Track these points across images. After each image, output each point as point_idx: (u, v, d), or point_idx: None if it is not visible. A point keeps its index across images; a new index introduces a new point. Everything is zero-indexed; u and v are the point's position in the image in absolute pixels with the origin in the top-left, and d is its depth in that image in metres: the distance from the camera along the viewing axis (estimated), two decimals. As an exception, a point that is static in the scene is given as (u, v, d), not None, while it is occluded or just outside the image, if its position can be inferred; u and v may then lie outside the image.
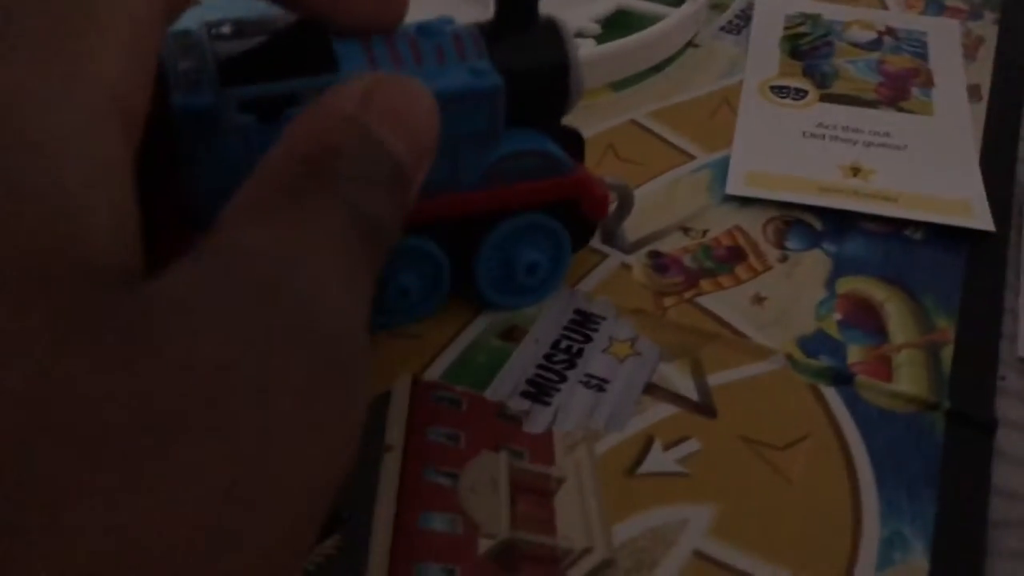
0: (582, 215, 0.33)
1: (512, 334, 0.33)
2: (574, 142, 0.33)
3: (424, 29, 0.29)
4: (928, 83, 0.47)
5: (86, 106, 0.16)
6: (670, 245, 0.38)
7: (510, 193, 0.31)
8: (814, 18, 0.51)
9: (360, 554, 0.26)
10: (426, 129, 0.22)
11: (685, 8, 0.48)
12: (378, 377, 0.31)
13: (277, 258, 0.17)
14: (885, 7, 0.52)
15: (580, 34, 0.47)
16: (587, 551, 0.27)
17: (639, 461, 0.29)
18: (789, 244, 0.38)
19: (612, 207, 0.36)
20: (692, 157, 0.42)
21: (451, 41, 0.29)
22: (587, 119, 0.44)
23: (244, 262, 0.17)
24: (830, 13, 0.51)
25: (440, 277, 0.32)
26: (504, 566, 0.26)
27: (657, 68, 0.47)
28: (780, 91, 0.46)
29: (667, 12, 0.48)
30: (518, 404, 0.31)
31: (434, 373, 0.32)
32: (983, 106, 0.45)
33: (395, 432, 0.30)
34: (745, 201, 0.40)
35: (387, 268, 0.29)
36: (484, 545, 0.27)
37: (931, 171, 0.41)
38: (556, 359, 0.32)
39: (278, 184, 0.19)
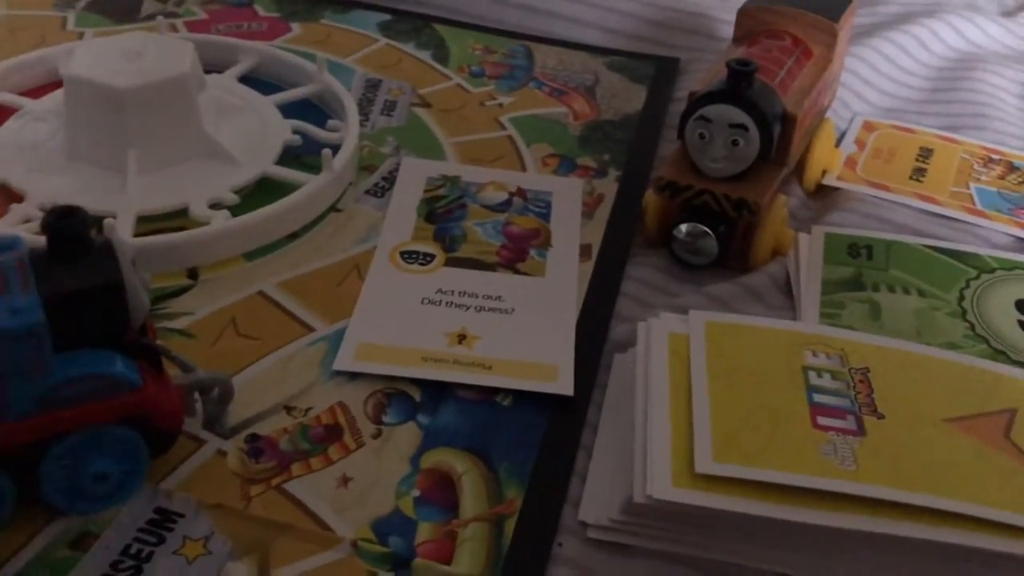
0: (156, 426, 0.34)
1: (82, 542, 0.34)
2: (150, 356, 0.34)
3: None
4: (546, 243, 0.51)
5: None
6: (271, 426, 0.39)
7: (69, 416, 0.32)
8: (453, 180, 0.55)
9: None
10: None
11: (322, 177, 0.51)
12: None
13: None
14: (523, 167, 0.57)
15: (217, 205, 0.49)
16: None
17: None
18: (386, 418, 0.41)
19: (213, 395, 0.38)
20: (312, 329, 0.44)
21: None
22: (214, 291, 0.45)
23: None
24: (469, 175, 0.55)
25: (3, 495, 0.32)
26: None
27: (295, 235, 0.49)
28: (409, 256, 0.49)
29: (307, 180, 0.51)
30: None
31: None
32: (591, 265, 0.50)
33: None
34: (353, 375, 0.42)
35: None
36: None
37: (530, 336, 0.45)
38: (122, 567, 0.33)
39: None
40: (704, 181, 0.49)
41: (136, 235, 0.46)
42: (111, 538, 0.34)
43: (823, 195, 0.58)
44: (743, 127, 0.47)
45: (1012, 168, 0.60)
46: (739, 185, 0.49)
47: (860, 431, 0.37)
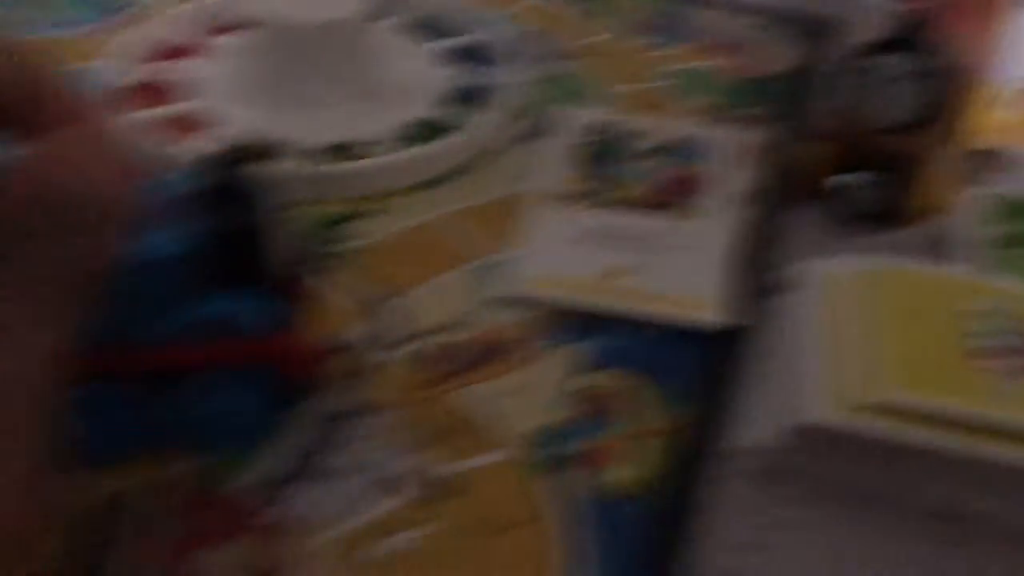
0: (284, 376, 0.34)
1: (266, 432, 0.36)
2: (292, 304, 0.33)
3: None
4: (700, 190, 0.51)
5: None
6: (436, 341, 0.41)
7: (201, 353, 0.32)
8: (607, 127, 0.56)
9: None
10: (108, 180, 0.25)
11: (482, 119, 0.52)
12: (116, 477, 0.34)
13: None
14: (677, 117, 0.57)
15: (386, 140, 0.51)
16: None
17: (365, 546, 0.32)
18: (544, 341, 0.42)
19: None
20: (472, 258, 0.46)
21: (158, 205, 0.30)
22: (381, 220, 0.48)
23: None
24: (623, 123, 0.56)
25: (143, 420, 0.33)
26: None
27: (455, 172, 0.51)
28: (564, 197, 0.50)
29: (469, 121, 0.52)
30: (260, 497, 0.34)
31: (180, 470, 0.34)
32: (743, 212, 0.50)
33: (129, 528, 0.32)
34: (512, 301, 0.44)
35: (87, 410, 0.31)
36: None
37: (682, 273, 0.45)
38: (302, 455, 0.35)
39: None
40: (868, 131, 0.48)
41: (309, 166, 0.49)
42: (291, 429, 0.36)
43: (992, 157, 0.56)
44: (911, 76, 0.47)
45: None
46: (904, 137, 0.48)
47: (1029, 372, 0.36)
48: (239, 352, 0.32)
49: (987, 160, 0.55)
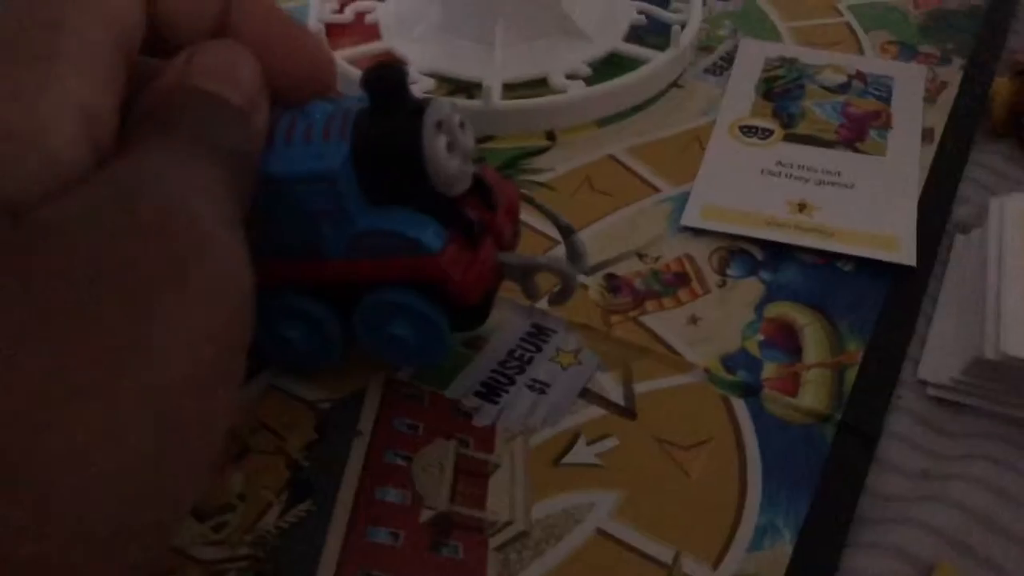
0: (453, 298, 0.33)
1: (475, 343, 0.40)
2: (465, 228, 0.33)
3: (307, 110, 0.31)
4: (886, 125, 0.51)
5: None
6: (625, 269, 0.43)
7: (371, 267, 0.33)
8: (791, 62, 0.56)
9: (325, 517, 0.33)
10: (247, 78, 0.28)
11: (667, 54, 0.53)
12: (357, 376, 0.38)
13: (141, 175, 0.23)
14: (861, 52, 0.57)
15: (573, 76, 0.53)
16: (508, 524, 0.33)
17: (564, 453, 0.35)
18: (730, 271, 0.43)
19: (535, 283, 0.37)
20: (657, 190, 0.48)
21: (322, 122, 0.31)
22: (570, 152, 0.50)
23: (111, 180, 0.23)
24: (807, 57, 0.56)
25: (326, 331, 0.35)
26: (439, 532, 0.33)
27: (640, 107, 0.53)
28: (748, 131, 0.51)
29: (654, 56, 0.54)
30: (470, 402, 0.37)
31: (405, 374, 0.38)
32: (933, 148, 0.50)
33: (366, 421, 0.36)
34: (698, 232, 0.45)
35: (273, 321, 0.34)
36: (426, 515, 0.33)
37: (870, 209, 0.46)
38: (508, 365, 0.39)
39: (138, 134, 0.25)
40: (1066, 65, 0.47)
41: (501, 99, 0.51)
42: (498, 341, 0.40)
43: None
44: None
45: None
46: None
47: None
48: (412, 267, 0.32)
49: None
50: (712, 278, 0.43)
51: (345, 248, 0.32)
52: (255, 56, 0.28)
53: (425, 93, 0.53)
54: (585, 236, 0.45)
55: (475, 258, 0.33)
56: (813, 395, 0.38)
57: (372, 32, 0.58)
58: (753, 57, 0.56)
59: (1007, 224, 0.41)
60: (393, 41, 0.57)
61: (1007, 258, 0.39)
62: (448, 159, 0.31)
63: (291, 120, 0.31)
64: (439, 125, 0.31)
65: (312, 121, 0.31)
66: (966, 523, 0.33)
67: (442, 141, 0.31)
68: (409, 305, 0.34)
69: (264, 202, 0.30)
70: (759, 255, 0.44)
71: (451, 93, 0.54)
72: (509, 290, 0.37)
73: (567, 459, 0.35)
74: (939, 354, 0.39)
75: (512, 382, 0.38)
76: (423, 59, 0.55)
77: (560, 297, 0.37)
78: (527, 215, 0.39)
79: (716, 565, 0.32)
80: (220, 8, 0.29)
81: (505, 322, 0.40)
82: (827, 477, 0.35)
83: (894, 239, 0.44)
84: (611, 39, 0.55)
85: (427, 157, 0.31)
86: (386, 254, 0.32)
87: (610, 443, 0.36)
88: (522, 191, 0.37)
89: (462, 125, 0.32)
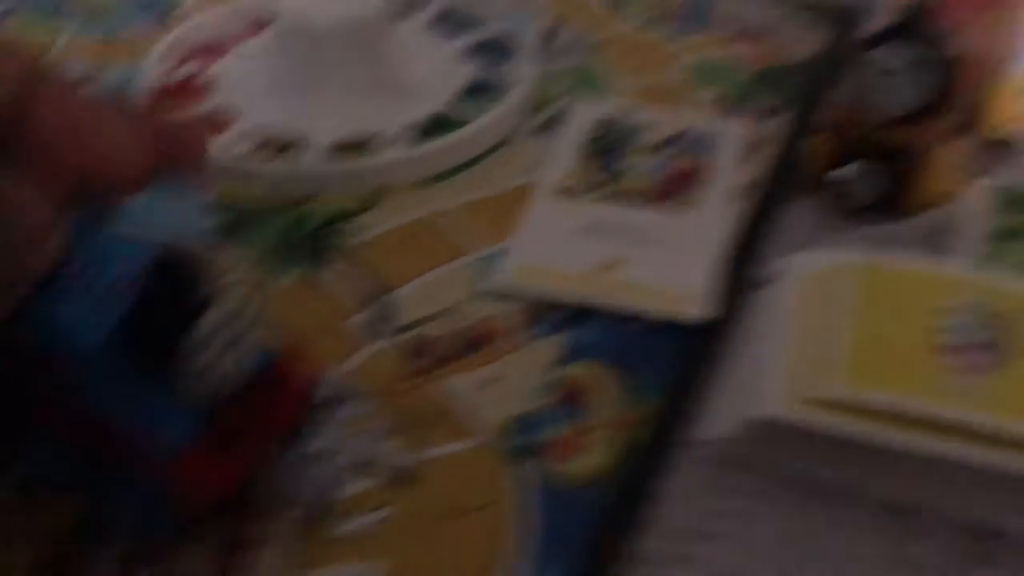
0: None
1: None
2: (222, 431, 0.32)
3: (102, 255, 0.30)
4: (704, 181, 0.52)
5: None
6: (430, 331, 0.44)
7: (115, 449, 0.32)
8: (620, 120, 0.57)
9: None
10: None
11: (491, 115, 0.54)
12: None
13: None
14: (688, 109, 0.58)
15: (398, 137, 0.54)
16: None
17: (332, 524, 0.35)
18: (534, 331, 0.44)
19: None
20: (475, 251, 0.48)
21: (109, 276, 0.30)
22: (392, 212, 0.50)
23: None
24: (636, 114, 0.57)
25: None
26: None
27: (466, 166, 0.54)
28: (567, 191, 0.52)
29: (478, 116, 0.54)
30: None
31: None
32: (746, 205, 0.51)
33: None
34: (505, 292, 0.46)
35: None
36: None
37: (676, 267, 0.47)
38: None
39: None
40: (874, 121, 0.49)
41: (322, 161, 0.52)
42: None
43: (1002, 148, 0.55)
44: (916, 66, 0.47)
45: None
46: (909, 127, 0.48)
47: (994, 369, 0.37)
48: (145, 465, 0.31)
49: (998, 151, 0.54)
50: (510, 339, 0.44)
51: (97, 414, 0.31)
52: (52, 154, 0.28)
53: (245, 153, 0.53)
54: (396, 297, 0.45)
55: (221, 459, 0.32)
56: (590, 458, 0.38)
57: (212, 90, 0.58)
58: (584, 115, 0.57)
59: (794, 279, 0.42)
60: (226, 97, 0.57)
61: (784, 316, 0.40)
62: (216, 363, 0.30)
63: (82, 264, 0.30)
64: (215, 332, 0.30)
65: (100, 271, 0.30)
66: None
67: (214, 349, 0.30)
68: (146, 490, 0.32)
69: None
70: (564, 314, 0.45)
71: (279, 151, 0.54)
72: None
73: (339, 530, 0.35)
74: (717, 413, 0.40)
75: (294, 450, 0.38)
76: (251, 115, 0.55)
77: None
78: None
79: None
80: (12, 95, 0.28)
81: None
82: (599, 542, 0.35)
83: (694, 298, 0.45)
84: (441, 99, 0.56)
85: (194, 369, 0.30)
86: (130, 443, 0.31)
87: (377, 516, 0.36)
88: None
89: (246, 330, 0.31)
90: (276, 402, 0.33)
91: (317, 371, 0.36)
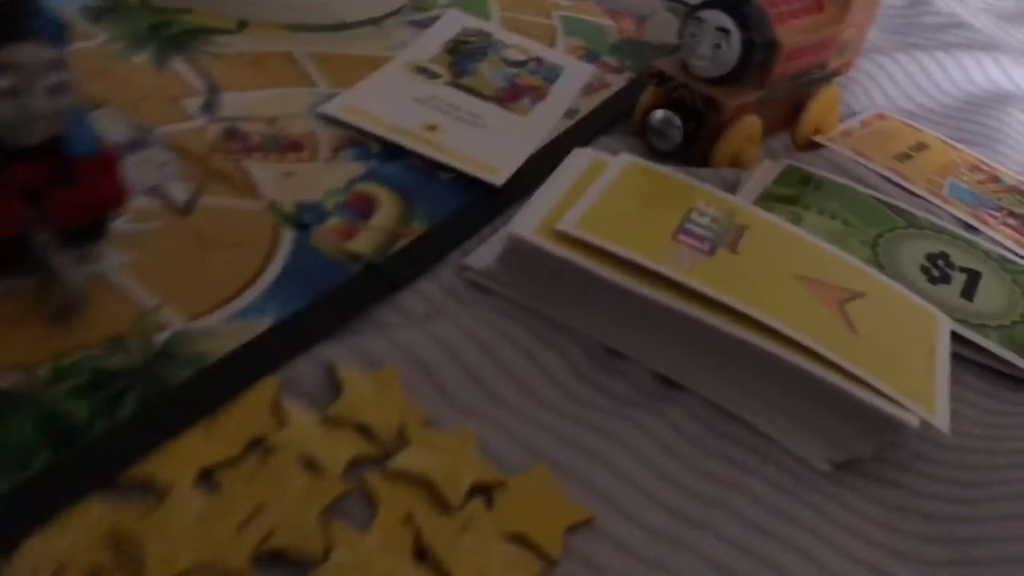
0: None
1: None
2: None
3: None
4: (540, 97, 0.58)
5: None
6: (250, 127, 0.48)
7: None
8: (486, 35, 0.63)
9: None
10: None
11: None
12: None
13: None
14: (552, 45, 0.64)
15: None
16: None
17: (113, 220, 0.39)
18: (342, 154, 0.48)
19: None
20: (314, 85, 0.53)
21: None
22: (252, 41, 0.55)
23: None
24: (500, 35, 0.63)
25: None
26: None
27: (334, 29, 0.58)
28: (419, 70, 0.57)
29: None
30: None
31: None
32: (569, 122, 0.57)
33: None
34: (332, 122, 0.50)
35: None
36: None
37: (489, 144, 0.52)
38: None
39: None
40: (687, 77, 0.55)
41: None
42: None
43: (809, 152, 0.63)
44: (727, 32, 0.53)
45: (996, 180, 0.64)
46: (716, 88, 0.55)
47: (710, 253, 0.43)
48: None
49: (811, 156, 0.61)
50: (324, 153, 0.48)
51: None
52: None
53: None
54: (231, 98, 0.49)
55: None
56: (361, 246, 0.43)
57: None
58: (455, 22, 0.63)
59: (576, 160, 0.48)
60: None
61: (563, 176, 0.46)
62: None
63: None
64: (4, 68, 0.28)
65: None
66: (431, 347, 0.39)
67: None
68: None
69: None
70: (375, 149, 0.50)
71: None
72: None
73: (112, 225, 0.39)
74: (487, 250, 0.45)
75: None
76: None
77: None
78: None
79: (193, 319, 0.36)
80: None
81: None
82: (333, 296, 0.39)
83: (496, 168, 0.50)
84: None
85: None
86: None
87: (149, 225, 0.40)
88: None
89: (59, 84, 0.30)
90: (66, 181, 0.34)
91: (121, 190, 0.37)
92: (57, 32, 0.30)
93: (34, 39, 0.28)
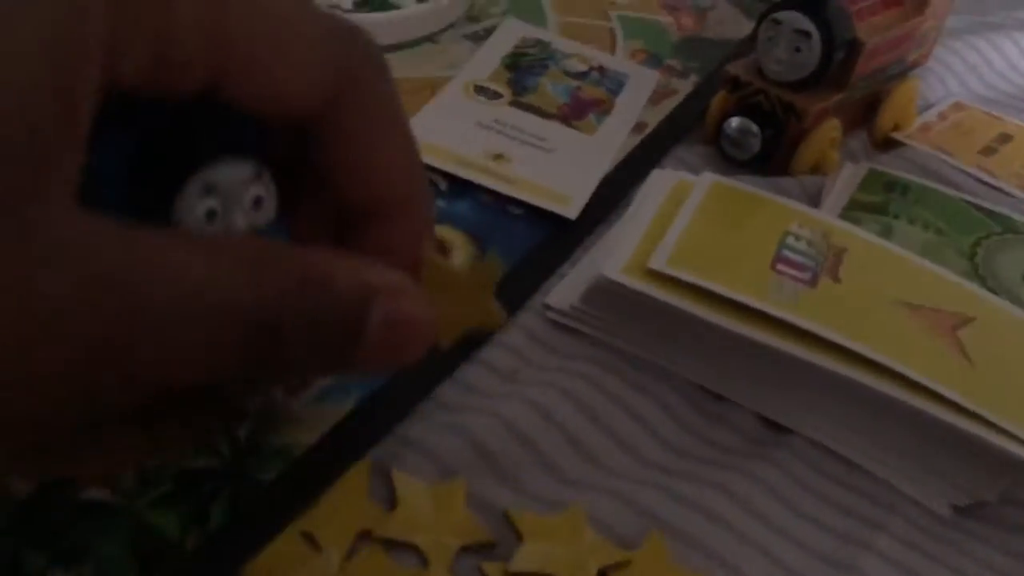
0: None
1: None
2: None
3: None
4: (606, 112, 0.55)
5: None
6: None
7: None
8: (544, 45, 0.60)
9: None
10: None
11: (422, 6, 0.57)
12: None
13: None
14: (613, 50, 0.62)
15: (337, 7, 0.56)
16: None
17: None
18: (411, 191, 0.46)
19: None
20: (375, 117, 0.50)
21: None
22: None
23: None
24: (558, 44, 0.60)
25: None
26: None
27: (389, 49, 0.56)
28: (480, 90, 0.55)
29: (410, 3, 0.57)
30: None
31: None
32: (638, 137, 0.54)
33: None
34: (396, 155, 0.48)
35: None
36: None
37: (558, 171, 0.50)
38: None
39: None
40: (764, 82, 0.52)
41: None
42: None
43: (888, 149, 0.60)
44: (807, 35, 0.50)
45: (1091, 168, 0.60)
46: (795, 93, 0.52)
47: (813, 283, 0.40)
48: None
49: (891, 154, 0.58)
50: (391, 192, 0.46)
51: None
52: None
53: None
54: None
55: None
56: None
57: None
58: (512, 33, 0.60)
59: (656, 184, 0.45)
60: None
61: (644, 205, 0.44)
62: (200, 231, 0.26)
63: None
64: (207, 190, 0.26)
65: None
66: (527, 414, 0.36)
67: (200, 209, 0.26)
68: None
69: None
70: (442, 186, 0.47)
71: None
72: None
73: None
74: (570, 287, 0.43)
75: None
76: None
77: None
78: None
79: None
80: (328, 92, 0.25)
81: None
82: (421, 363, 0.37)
83: (567, 197, 0.48)
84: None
85: (174, 220, 0.25)
86: None
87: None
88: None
89: (257, 200, 0.27)
90: None
91: None
92: (253, 139, 0.27)
93: (233, 153, 0.26)
